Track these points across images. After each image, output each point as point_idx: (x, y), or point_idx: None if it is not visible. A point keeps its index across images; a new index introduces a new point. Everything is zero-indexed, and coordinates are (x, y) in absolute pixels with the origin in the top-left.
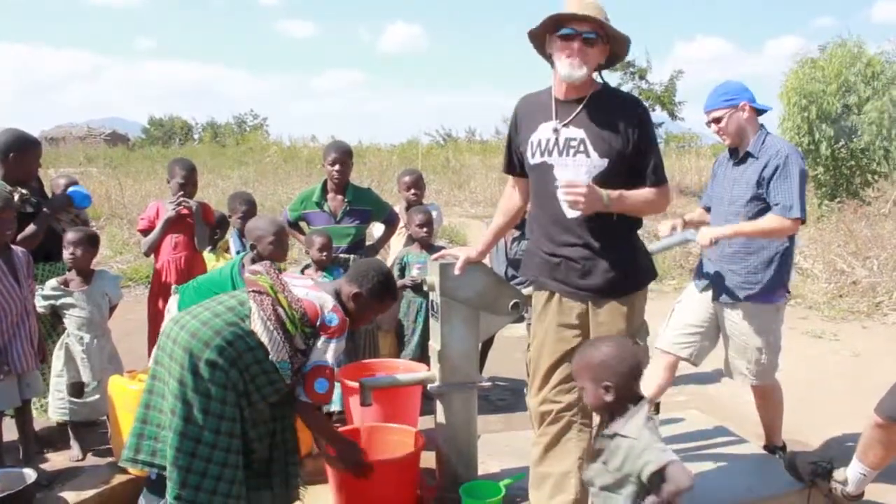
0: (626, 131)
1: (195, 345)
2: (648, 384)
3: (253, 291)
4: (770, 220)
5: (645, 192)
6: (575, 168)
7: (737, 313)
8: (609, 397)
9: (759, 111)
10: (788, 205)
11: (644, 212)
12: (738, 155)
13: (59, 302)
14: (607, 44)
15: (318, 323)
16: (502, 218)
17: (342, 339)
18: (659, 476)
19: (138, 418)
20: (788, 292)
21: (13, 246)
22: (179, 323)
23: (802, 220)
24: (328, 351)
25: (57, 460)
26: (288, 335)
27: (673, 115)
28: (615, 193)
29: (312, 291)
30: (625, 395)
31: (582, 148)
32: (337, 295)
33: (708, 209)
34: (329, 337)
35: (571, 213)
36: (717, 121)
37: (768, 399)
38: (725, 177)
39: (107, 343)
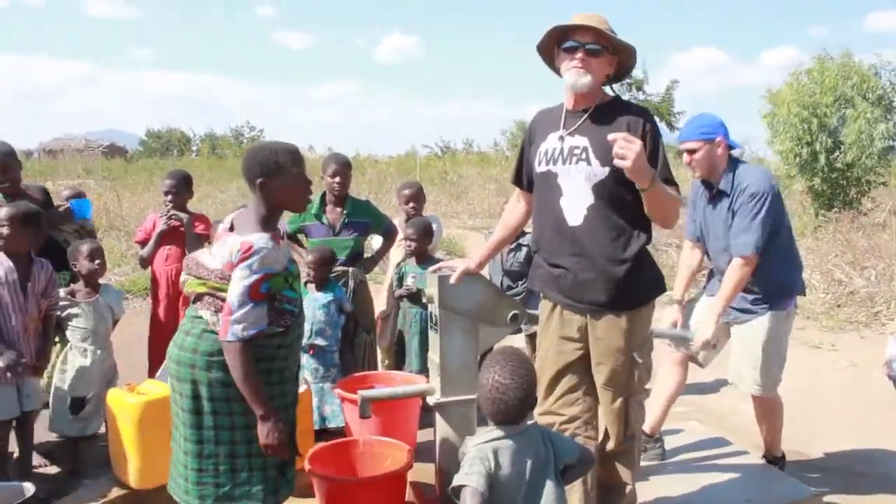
0: None
1: (183, 371)
2: (660, 391)
3: (195, 302)
4: (733, 273)
5: (672, 190)
6: (576, 176)
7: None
8: None
9: (731, 147)
10: (738, 242)
11: (665, 208)
12: (713, 190)
13: (64, 313)
14: (613, 55)
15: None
16: (503, 231)
17: (252, 260)
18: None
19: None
20: (802, 293)
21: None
22: (169, 355)
23: (755, 253)
24: (233, 283)
25: (56, 474)
26: None
27: (671, 126)
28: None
29: (223, 249)
30: (489, 416)
31: (584, 156)
32: (258, 213)
33: (697, 239)
34: (237, 267)
35: (573, 222)
36: (691, 152)
37: (769, 411)
38: (706, 209)
39: (108, 356)
